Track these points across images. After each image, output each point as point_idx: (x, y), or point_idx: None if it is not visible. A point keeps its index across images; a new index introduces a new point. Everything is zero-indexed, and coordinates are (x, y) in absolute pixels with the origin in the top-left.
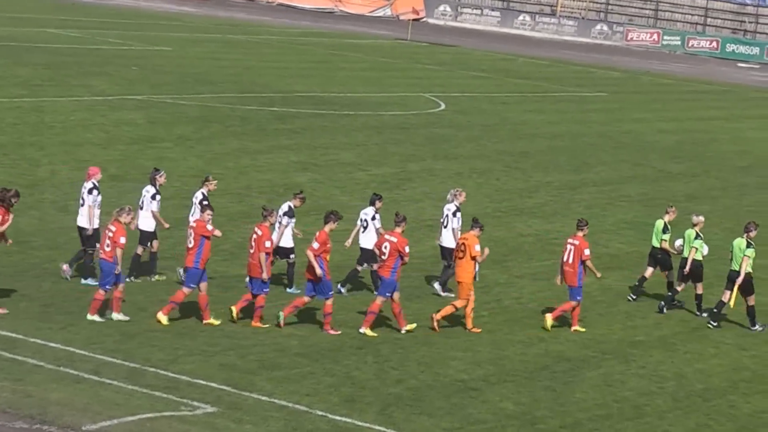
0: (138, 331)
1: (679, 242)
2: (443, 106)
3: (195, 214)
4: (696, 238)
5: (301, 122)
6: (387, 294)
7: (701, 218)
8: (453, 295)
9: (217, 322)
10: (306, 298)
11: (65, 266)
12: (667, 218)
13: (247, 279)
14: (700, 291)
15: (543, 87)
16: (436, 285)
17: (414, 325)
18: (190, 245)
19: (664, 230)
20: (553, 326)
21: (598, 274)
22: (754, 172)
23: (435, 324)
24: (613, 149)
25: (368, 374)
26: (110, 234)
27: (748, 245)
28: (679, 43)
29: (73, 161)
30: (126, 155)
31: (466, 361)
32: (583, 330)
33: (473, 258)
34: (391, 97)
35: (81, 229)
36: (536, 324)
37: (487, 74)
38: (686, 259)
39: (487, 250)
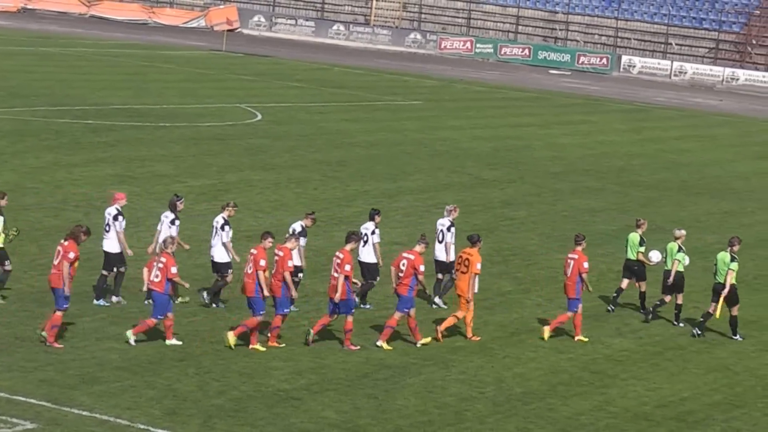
0: None
1: (653, 253)
2: (260, 117)
3: (216, 239)
4: (678, 251)
5: (116, 135)
6: (405, 310)
7: (683, 232)
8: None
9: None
10: (329, 317)
11: (115, 298)
12: (640, 231)
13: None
14: (680, 302)
15: (358, 96)
16: (437, 299)
17: (429, 339)
18: (250, 271)
19: (641, 243)
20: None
21: (590, 289)
22: (567, 177)
23: (439, 335)
24: (430, 157)
25: (190, 386)
26: (160, 265)
27: (732, 259)
28: (491, 50)
29: None
30: None
31: (288, 370)
32: (586, 339)
33: (475, 273)
34: (207, 108)
35: (108, 254)
36: (356, 332)
37: (302, 84)
38: (669, 271)
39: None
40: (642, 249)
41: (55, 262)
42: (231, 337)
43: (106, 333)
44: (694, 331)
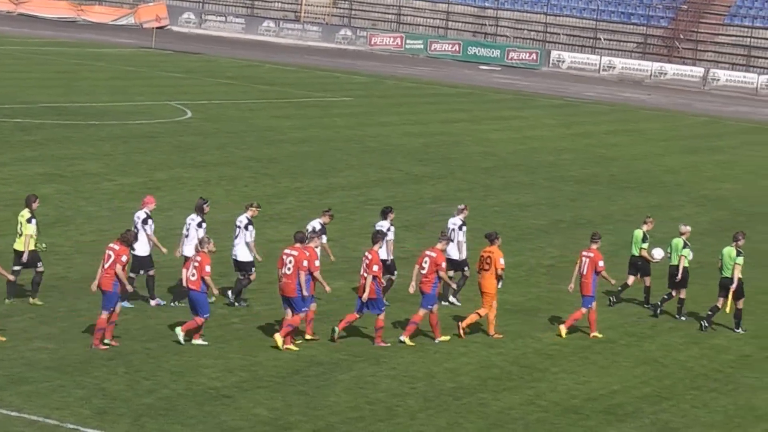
0: None
1: (656, 251)
2: (190, 114)
3: (239, 238)
4: (684, 246)
5: (45, 133)
6: (429, 307)
7: (688, 228)
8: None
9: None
10: (356, 314)
11: (154, 302)
12: (645, 228)
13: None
14: (683, 296)
15: (289, 93)
16: (452, 298)
17: (448, 337)
18: (289, 272)
19: (644, 239)
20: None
21: (613, 282)
22: (497, 172)
23: (461, 331)
24: (360, 153)
25: (120, 385)
26: (196, 264)
27: (738, 254)
28: (421, 46)
29: None
30: None
31: (218, 368)
32: (601, 336)
33: (500, 270)
34: (136, 106)
35: (136, 257)
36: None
37: (233, 81)
38: (675, 266)
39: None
40: (645, 246)
41: (106, 266)
42: (279, 339)
43: (36, 333)
44: (702, 324)
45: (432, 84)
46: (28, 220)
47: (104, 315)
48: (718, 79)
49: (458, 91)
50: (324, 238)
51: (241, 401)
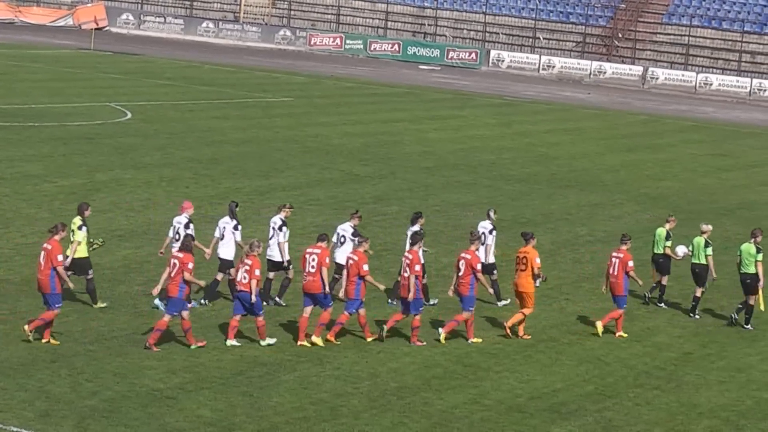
0: None
1: (680, 248)
2: (129, 115)
3: (274, 239)
4: (706, 245)
5: None
6: (470, 308)
7: (710, 227)
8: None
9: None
10: (401, 314)
11: (196, 303)
12: (668, 226)
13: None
14: (698, 294)
15: (228, 93)
16: (500, 303)
17: (480, 340)
18: (313, 270)
19: (667, 237)
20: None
21: (641, 282)
22: (437, 172)
23: (508, 331)
24: (301, 153)
25: (63, 387)
26: (246, 267)
27: (758, 250)
28: (361, 46)
29: None
30: None
31: (162, 369)
32: (626, 335)
33: (536, 269)
34: (76, 108)
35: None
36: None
37: (172, 82)
38: (698, 264)
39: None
40: (669, 243)
41: (173, 274)
42: (318, 339)
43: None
44: (732, 315)
45: (371, 84)
46: (79, 227)
47: (166, 318)
48: (657, 78)
49: (398, 90)
50: (356, 240)
51: (185, 402)
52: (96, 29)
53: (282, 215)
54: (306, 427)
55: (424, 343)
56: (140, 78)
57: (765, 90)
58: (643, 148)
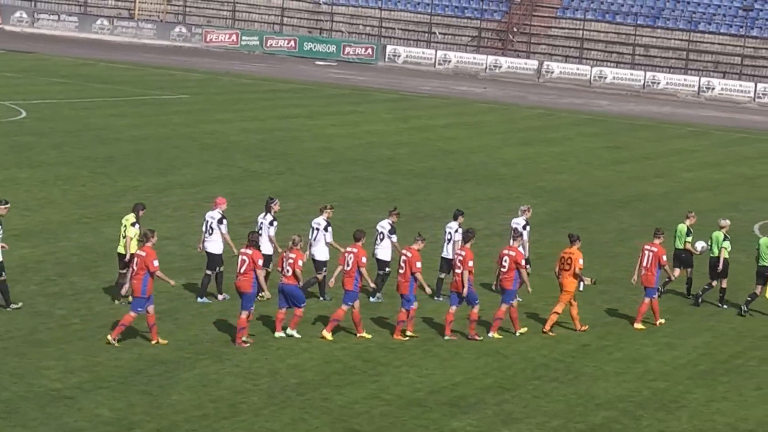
0: None
1: (699, 243)
2: (24, 114)
3: (318, 239)
4: (724, 239)
5: None
6: (510, 302)
7: (728, 222)
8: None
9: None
10: (453, 309)
11: (220, 296)
12: (688, 222)
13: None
14: (724, 285)
15: (124, 91)
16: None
17: (526, 329)
18: (348, 268)
19: (688, 233)
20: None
21: (673, 277)
22: (335, 167)
23: (578, 325)
24: (198, 150)
25: None
26: (290, 260)
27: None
28: (257, 43)
29: None
30: None
31: (59, 369)
32: (644, 328)
33: (577, 270)
34: None
35: (211, 255)
36: (130, 327)
37: (67, 80)
38: (716, 258)
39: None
40: (689, 239)
41: (242, 270)
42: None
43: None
44: (743, 307)
45: (268, 80)
46: (132, 224)
47: (244, 314)
48: (552, 72)
49: (295, 86)
50: (394, 237)
51: (84, 402)
52: None
53: (325, 216)
54: (206, 424)
55: (481, 338)
56: (35, 76)
57: (658, 83)
58: (539, 142)
